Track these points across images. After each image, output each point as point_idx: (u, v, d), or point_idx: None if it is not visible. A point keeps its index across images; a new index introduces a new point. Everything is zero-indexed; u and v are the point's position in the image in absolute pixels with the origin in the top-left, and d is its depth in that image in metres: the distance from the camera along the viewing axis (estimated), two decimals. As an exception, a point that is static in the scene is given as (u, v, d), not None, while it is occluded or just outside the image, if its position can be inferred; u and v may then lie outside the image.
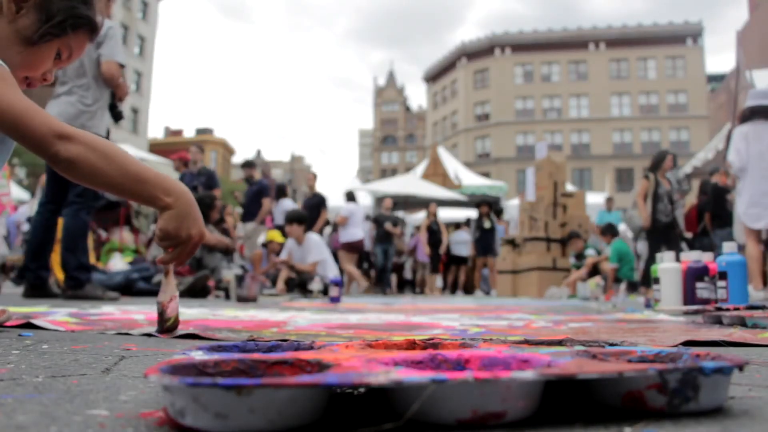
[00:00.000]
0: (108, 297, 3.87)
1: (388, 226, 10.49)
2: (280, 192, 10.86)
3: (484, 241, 10.83)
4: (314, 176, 10.12)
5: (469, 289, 11.62)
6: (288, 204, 10.00)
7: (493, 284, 10.90)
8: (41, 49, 1.27)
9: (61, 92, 3.78)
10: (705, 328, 1.93)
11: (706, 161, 11.13)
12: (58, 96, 3.78)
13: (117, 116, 3.94)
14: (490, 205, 11.01)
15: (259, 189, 8.67)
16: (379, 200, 15.35)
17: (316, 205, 9.38)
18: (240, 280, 4.52)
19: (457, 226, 12.35)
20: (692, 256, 2.99)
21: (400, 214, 15.65)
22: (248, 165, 9.15)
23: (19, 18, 1.24)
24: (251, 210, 8.64)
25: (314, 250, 6.78)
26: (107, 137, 3.83)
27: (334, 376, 0.50)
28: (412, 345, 0.81)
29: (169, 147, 40.96)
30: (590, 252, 8.57)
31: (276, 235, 8.16)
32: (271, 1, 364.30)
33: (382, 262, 10.56)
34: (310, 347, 0.79)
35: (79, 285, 3.83)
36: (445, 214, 13.38)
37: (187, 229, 1.18)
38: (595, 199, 15.69)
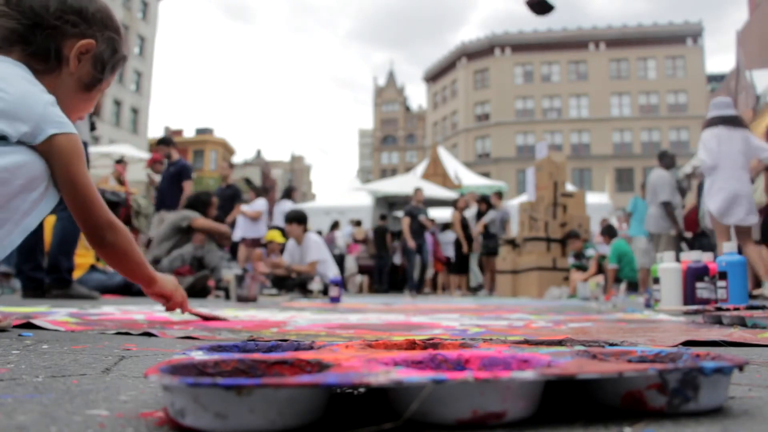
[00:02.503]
0: (93, 296, 4.04)
1: (422, 218, 10.08)
2: (287, 194, 10.86)
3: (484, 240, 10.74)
4: (229, 165, 8.94)
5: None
6: (288, 206, 9.98)
7: (486, 284, 10.82)
8: (95, 92, 1.49)
9: None
10: (705, 328, 1.93)
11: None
12: None
13: (91, 126, 4.19)
14: (488, 203, 10.83)
15: (179, 170, 7.24)
16: (379, 199, 15.36)
17: (229, 197, 8.44)
18: (240, 280, 4.52)
19: (446, 226, 12.32)
20: (692, 256, 2.99)
21: (399, 214, 15.67)
22: (163, 142, 7.72)
23: (79, 69, 1.42)
24: (168, 196, 7.05)
25: (313, 250, 6.78)
26: (86, 145, 3.94)
27: (334, 376, 0.50)
28: (412, 345, 0.81)
29: (169, 147, 40.91)
30: (591, 252, 8.58)
31: (276, 235, 8.15)
32: (274, 3, 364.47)
33: (415, 260, 10.04)
34: (310, 347, 0.79)
35: (67, 285, 3.94)
36: (445, 214, 13.39)
37: (174, 286, 1.72)
38: (595, 199, 15.70)
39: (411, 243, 10.03)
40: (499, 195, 11.19)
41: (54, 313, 2.16)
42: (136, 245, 1.48)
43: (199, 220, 5.64)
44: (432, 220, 10.81)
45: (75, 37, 1.39)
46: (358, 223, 13.20)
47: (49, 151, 1.26)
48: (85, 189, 1.32)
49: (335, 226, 12.69)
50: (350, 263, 12.16)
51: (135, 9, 37.47)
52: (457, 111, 46.42)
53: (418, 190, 10.70)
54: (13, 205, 1.22)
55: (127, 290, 4.99)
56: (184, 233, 5.62)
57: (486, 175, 31.94)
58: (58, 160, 1.27)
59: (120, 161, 8.96)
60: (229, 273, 5.14)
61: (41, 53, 1.36)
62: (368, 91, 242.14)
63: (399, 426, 0.51)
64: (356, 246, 12.59)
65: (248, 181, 11.27)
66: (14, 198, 1.22)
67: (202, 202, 5.92)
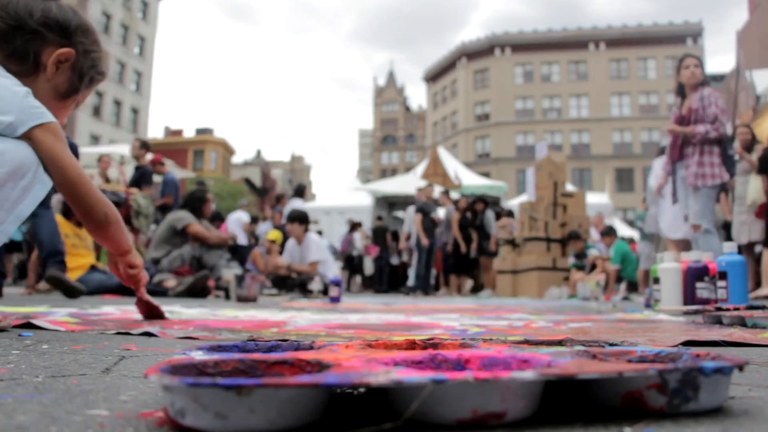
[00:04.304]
0: (80, 288, 4.26)
1: (435, 216, 9.84)
2: (298, 192, 10.83)
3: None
4: (140, 145, 7.79)
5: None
6: (299, 204, 9.96)
7: (488, 284, 10.76)
8: (70, 101, 1.52)
9: None
10: (705, 328, 1.93)
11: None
12: None
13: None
14: (485, 202, 10.70)
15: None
16: (378, 200, 15.35)
17: (135, 179, 7.59)
18: (240, 280, 4.51)
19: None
20: (692, 256, 2.99)
21: (399, 214, 15.66)
22: None
23: (56, 76, 1.45)
24: None
25: (314, 250, 6.78)
26: (76, 148, 4.30)
27: (334, 376, 0.50)
28: (412, 345, 0.81)
29: (169, 147, 40.89)
30: (593, 252, 8.57)
31: (272, 233, 8.15)
32: (276, 3, 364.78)
33: (426, 259, 9.72)
34: (310, 347, 0.79)
35: (65, 268, 4.22)
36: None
37: (142, 263, 1.81)
38: (595, 199, 15.70)
39: (425, 240, 9.56)
40: (447, 193, 11.00)
41: (54, 313, 2.17)
42: (119, 214, 1.55)
43: (194, 226, 5.58)
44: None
45: (55, 45, 1.43)
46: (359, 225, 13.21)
47: (31, 141, 1.30)
48: (73, 170, 1.38)
49: (354, 227, 12.72)
50: (368, 264, 12.20)
51: (135, 9, 37.46)
52: (457, 111, 46.39)
53: (428, 186, 10.38)
54: (2, 193, 1.23)
55: (127, 290, 4.98)
56: (180, 235, 5.60)
57: (486, 175, 31.91)
58: (41, 149, 1.31)
59: (102, 158, 8.94)
60: (229, 273, 5.14)
61: (19, 55, 1.39)
62: (368, 91, 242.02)
63: (399, 426, 0.51)
64: (374, 247, 12.56)
65: (248, 181, 11.30)
66: (2, 186, 1.23)
67: (198, 199, 5.88)
